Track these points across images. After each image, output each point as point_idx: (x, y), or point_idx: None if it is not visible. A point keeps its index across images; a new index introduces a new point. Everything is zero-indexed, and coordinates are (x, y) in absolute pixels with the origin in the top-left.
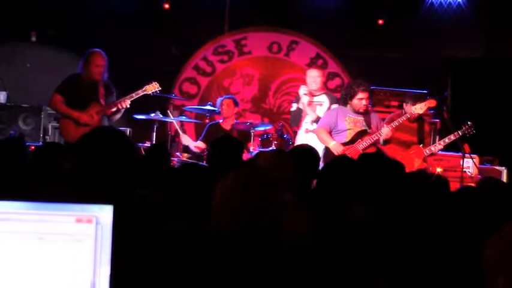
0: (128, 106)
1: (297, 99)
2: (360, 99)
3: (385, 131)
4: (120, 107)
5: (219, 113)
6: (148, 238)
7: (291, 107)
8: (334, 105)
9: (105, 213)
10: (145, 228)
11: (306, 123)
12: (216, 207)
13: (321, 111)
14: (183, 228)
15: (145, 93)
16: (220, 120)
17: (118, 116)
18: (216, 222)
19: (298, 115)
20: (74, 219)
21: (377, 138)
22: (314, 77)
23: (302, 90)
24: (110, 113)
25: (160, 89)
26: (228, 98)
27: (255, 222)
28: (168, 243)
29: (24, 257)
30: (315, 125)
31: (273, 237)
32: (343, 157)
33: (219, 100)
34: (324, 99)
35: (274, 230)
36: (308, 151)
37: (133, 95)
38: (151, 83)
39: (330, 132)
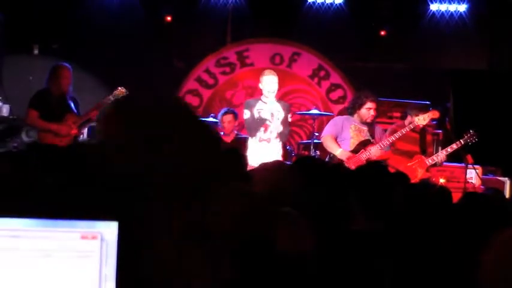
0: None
1: (249, 106)
2: (368, 109)
3: (373, 151)
4: (95, 114)
5: (220, 123)
6: (154, 255)
7: (244, 114)
8: (289, 114)
9: (110, 230)
10: (151, 245)
11: (260, 132)
12: (209, 221)
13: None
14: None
15: (115, 98)
16: (221, 133)
17: (91, 124)
18: (212, 236)
19: (255, 123)
20: (79, 236)
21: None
22: (273, 82)
23: (270, 98)
24: (85, 122)
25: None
26: (228, 113)
27: (247, 236)
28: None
29: (30, 274)
30: (269, 134)
31: (270, 251)
32: (343, 167)
33: (219, 115)
34: (279, 108)
35: (268, 243)
36: (310, 161)
37: (104, 101)
38: (118, 89)
39: (335, 140)
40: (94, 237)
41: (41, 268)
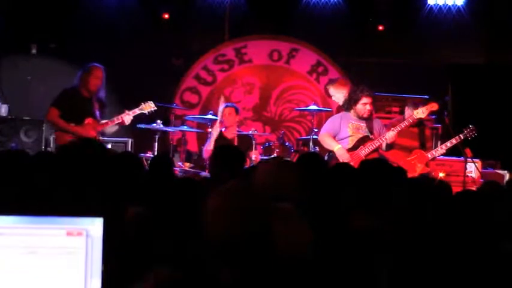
0: (126, 123)
1: None
2: (364, 104)
3: (390, 135)
4: (116, 122)
5: (221, 121)
6: (139, 250)
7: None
8: None
9: (95, 226)
10: (136, 241)
11: None
12: (207, 219)
13: None
14: (174, 241)
15: (142, 111)
16: (222, 129)
17: (112, 130)
18: (208, 235)
19: None
20: (65, 233)
21: (379, 144)
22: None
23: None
24: (104, 128)
25: (156, 108)
26: (230, 106)
27: (244, 233)
28: (160, 255)
29: (16, 271)
30: None
31: (265, 247)
32: (343, 164)
33: (220, 108)
34: None
35: (265, 240)
36: (314, 158)
37: (130, 112)
38: (147, 102)
39: (334, 138)
40: (79, 234)
41: (26, 265)
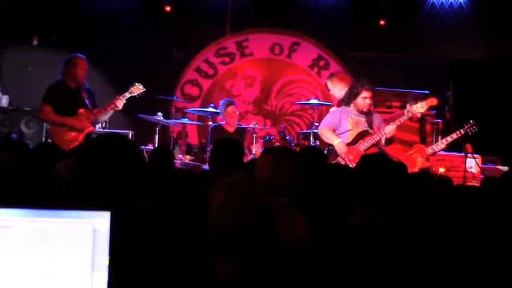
0: (119, 108)
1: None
2: (364, 98)
3: (390, 129)
4: (109, 108)
5: (222, 115)
6: (146, 245)
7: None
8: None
9: (102, 220)
10: (143, 235)
11: None
12: (209, 213)
13: None
14: (180, 235)
15: (131, 95)
16: (223, 122)
17: (105, 118)
18: (210, 228)
19: None
20: (72, 226)
21: (378, 138)
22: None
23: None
24: (98, 117)
25: (144, 89)
26: (231, 104)
27: (249, 229)
28: (165, 250)
29: (23, 263)
30: None
31: (268, 243)
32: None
33: (222, 107)
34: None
35: (269, 236)
36: (314, 152)
37: (121, 97)
38: (135, 85)
39: (333, 132)
40: (86, 228)
41: (33, 258)
